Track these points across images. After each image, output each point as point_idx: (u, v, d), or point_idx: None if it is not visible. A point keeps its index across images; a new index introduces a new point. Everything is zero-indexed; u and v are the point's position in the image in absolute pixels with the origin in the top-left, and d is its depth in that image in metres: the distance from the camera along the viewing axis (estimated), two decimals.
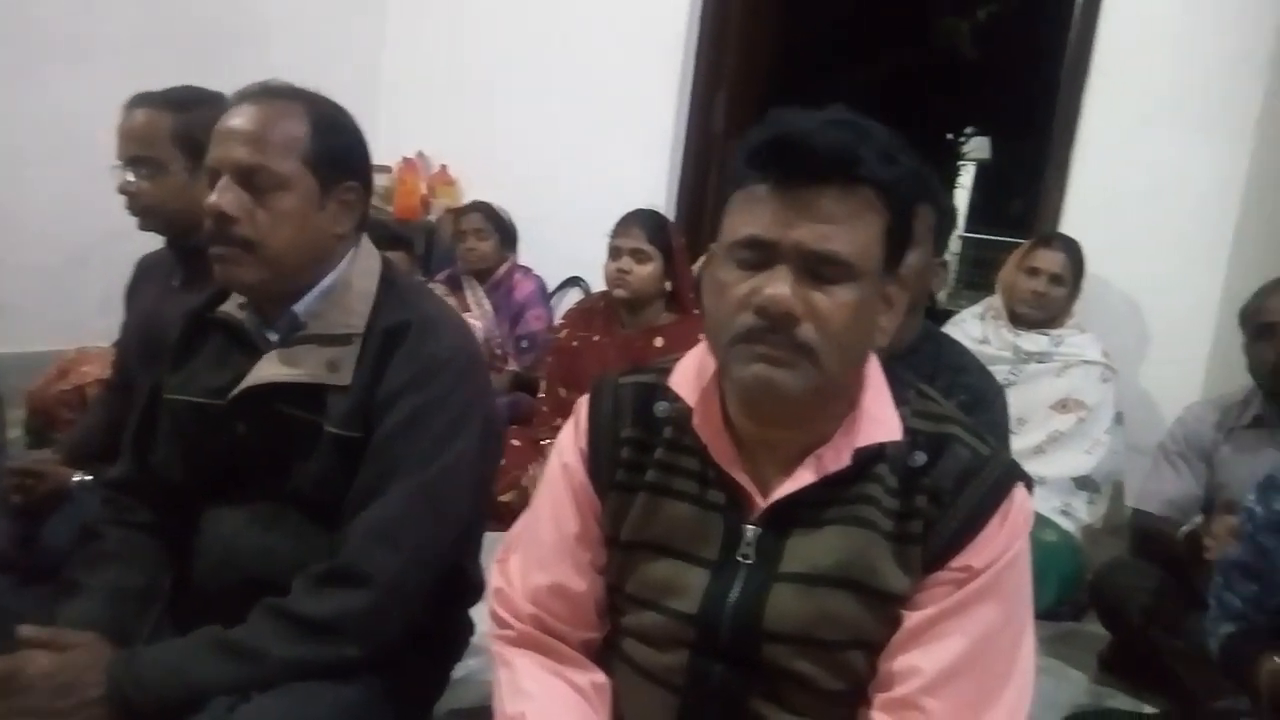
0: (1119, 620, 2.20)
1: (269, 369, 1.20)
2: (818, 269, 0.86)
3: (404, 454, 1.17)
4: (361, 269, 1.26)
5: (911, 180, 0.91)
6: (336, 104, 1.25)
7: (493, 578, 1.10)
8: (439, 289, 3.49)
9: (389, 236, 3.07)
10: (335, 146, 1.21)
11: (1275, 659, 1.27)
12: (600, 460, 1.02)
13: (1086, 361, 2.82)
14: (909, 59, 9.43)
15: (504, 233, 3.57)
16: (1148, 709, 1.97)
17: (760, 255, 0.87)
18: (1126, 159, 3.07)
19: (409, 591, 1.16)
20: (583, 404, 1.07)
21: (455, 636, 1.39)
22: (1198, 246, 2.98)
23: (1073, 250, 2.90)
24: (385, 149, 4.11)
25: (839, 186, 0.86)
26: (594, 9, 3.91)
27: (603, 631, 1.05)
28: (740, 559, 0.95)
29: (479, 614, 1.23)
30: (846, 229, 0.86)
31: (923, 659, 0.91)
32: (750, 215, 0.88)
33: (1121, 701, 2.08)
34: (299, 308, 1.23)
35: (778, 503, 0.94)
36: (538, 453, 2.75)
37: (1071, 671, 2.21)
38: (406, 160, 4.21)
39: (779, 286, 0.85)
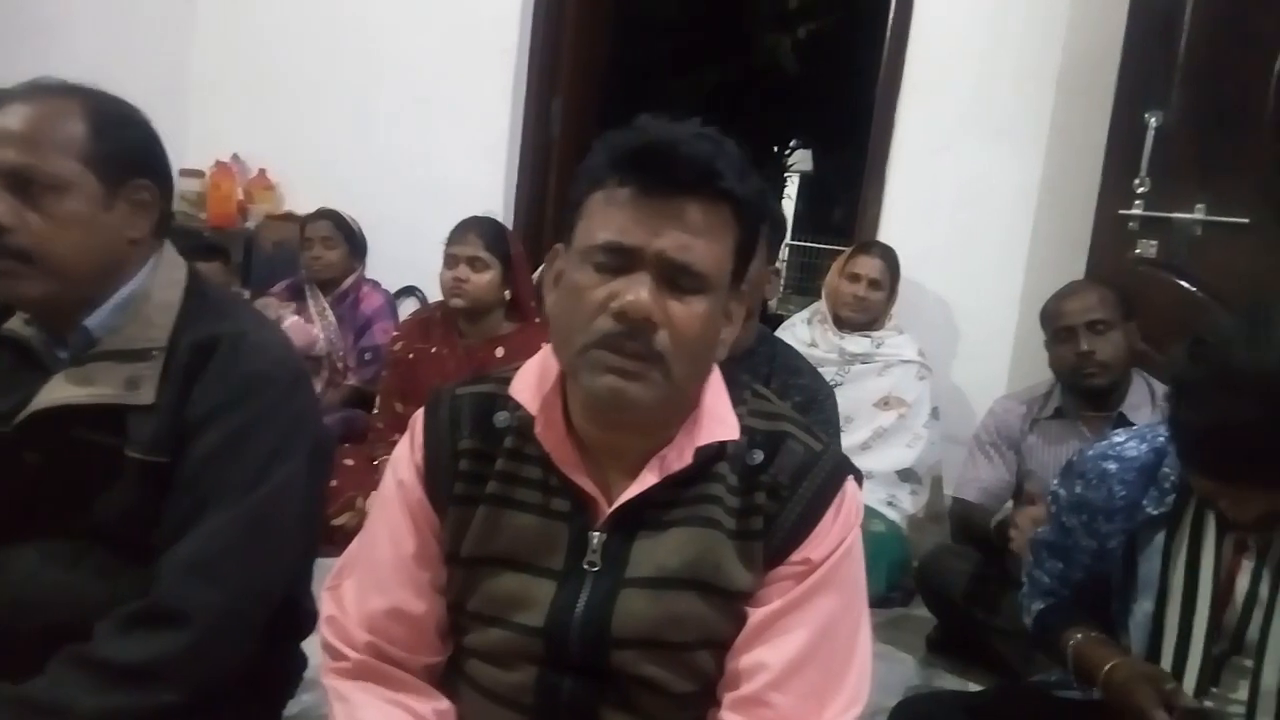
0: (943, 603, 2.34)
1: (59, 390, 1.09)
2: (676, 279, 0.87)
3: (224, 479, 1.08)
4: (163, 279, 1.16)
5: (760, 198, 0.93)
6: (120, 99, 1.14)
7: (324, 605, 1.03)
8: (275, 299, 3.31)
9: (202, 246, 2.87)
10: (120, 142, 1.11)
11: (1077, 635, 1.36)
12: (437, 474, 0.98)
13: (905, 361, 2.98)
14: (735, 73, 9.73)
15: (353, 242, 3.42)
16: (973, 686, 2.09)
17: (620, 260, 0.87)
18: (936, 169, 3.27)
19: (235, 629, 1.07)
20: (418, 417, 1.02)
21: (286, 672, 1.30)
22: (1000, 250, 3.21)
23: (889, 256, 3.06)
24: (197, 152, 3.86)
25: (703, 199, 0.87)
26: (424, 8, 3.80)
27: (445, 655, 1.01)
28: (587, 566, 0.94)
29: (311, 646, 1.16)
30: (706, 242, 0.87)
31: (768, 654, 0.92)
32: (612, 219, 0.87)
33: (949, 681, 2.20)
34: (91, 322, 1.12)
35: (623, 506, 0.94)
36: (373, 472, 2.63)
37: (903, 655, 2.31)
38: (220, 164, 3.95)
39: (640, 292, 0.85)
